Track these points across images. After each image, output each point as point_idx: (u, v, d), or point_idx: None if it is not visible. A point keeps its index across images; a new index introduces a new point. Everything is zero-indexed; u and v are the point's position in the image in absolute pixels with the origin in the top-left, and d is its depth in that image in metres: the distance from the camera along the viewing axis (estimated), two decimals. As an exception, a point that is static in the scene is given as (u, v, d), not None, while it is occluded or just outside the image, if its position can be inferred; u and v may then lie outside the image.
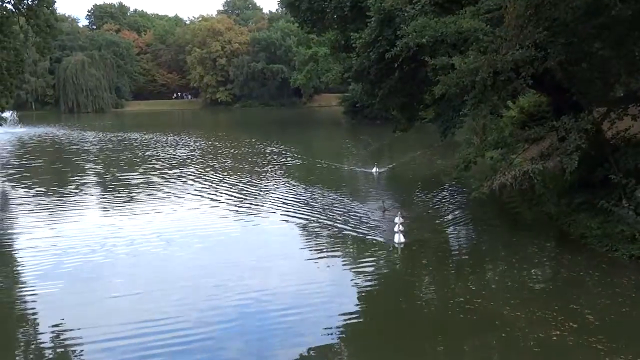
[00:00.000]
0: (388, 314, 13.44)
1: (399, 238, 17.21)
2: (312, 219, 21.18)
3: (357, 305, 13.90)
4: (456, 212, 22.59)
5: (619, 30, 16.28)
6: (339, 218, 21.15)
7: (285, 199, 24.87)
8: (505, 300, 13.46)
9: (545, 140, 19.74)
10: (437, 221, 21.26)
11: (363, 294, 14.67)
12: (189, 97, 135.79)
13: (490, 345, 11.79)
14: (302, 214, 22.01)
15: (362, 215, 21.60)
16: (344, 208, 22.95)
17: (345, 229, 19.59)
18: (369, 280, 15.48)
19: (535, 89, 22.71)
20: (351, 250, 17.89)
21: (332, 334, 12.07)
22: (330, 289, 14.69)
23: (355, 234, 19.08)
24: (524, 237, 18.96)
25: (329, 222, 20.54)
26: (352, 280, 15.47)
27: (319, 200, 24.48)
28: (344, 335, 12.16)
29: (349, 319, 12.85)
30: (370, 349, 11.73)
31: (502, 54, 15.65)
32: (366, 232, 19.18)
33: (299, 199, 24.97)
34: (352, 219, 20.99)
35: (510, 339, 11.69)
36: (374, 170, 31.94)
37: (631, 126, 18.95)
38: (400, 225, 17.63)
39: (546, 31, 15.76)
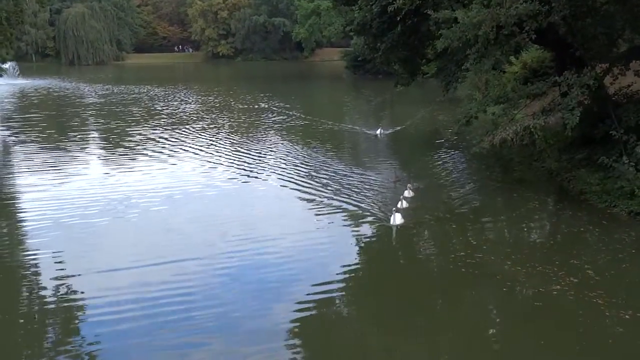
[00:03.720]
0: (387, 267, 13.61)
1: (393, 219, 15.47)
2: (311, 187, 19.83)
3: (356, 258, 14.01)
4: (457, 168, 22.71)
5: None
6: (340, 188, 19.44)
7: (284, 162, 24.00)
8: (505, 255, 13.53)
9: (548, 96, 19.66)
10: (440, 176, 21.42)
11: (362, 247, 14.77)
12: (190, 50, 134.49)
13: (490, 298, 11.93)
14: (301, 179, 20.82)
15: (365, 185, 19.93)
16: (346, 176, 21.21)
17: (345, 202, 17.90)
18: (367, 237, 15.50)
19: (539, 43, 22.55)
20: (349, 218, 16.74)
21: (330, 288, 12.11)
22: (328, 246, 14.65)
23: (355, 208, 17.28)
24: (524, 192, 18.98)
25: (331, 195, 18.70)
26: (351, 235, 15.44)
27: (318, 166, 23.16)
28: (343, 288, 12.29)
29: (348, 273, 12.93)
30: (369, 301, 11.85)
31: (506, 7, 15.49)
32: (368, 207, 17.42)
33: (299, 163, 23.92)
34: (354, 189, 19.28)
35: (511, 293, 11.85)
36: (378, 131, 30.53)
37: (634, 82, 18.90)
38: (404, 201, 16.72)
39: (551, -16, 15.62)
